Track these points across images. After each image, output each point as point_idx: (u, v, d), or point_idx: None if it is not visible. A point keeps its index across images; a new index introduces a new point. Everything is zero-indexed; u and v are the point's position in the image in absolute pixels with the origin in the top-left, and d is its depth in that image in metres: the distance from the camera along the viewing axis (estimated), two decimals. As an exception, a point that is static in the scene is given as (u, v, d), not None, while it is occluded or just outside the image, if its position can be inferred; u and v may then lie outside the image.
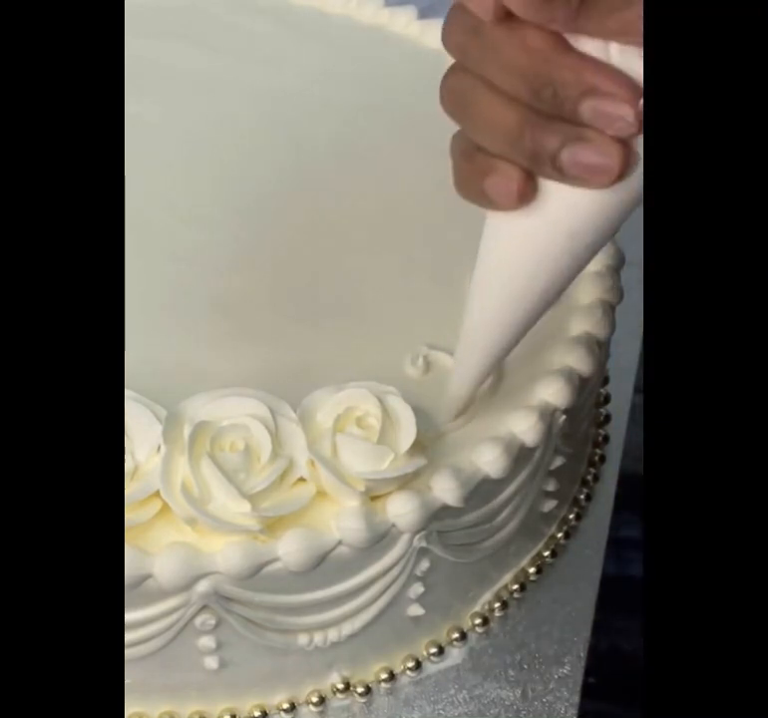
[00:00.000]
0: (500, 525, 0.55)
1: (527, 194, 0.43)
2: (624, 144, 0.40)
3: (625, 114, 0.40)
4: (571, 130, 0.40)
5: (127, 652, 0.49)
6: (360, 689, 0.55)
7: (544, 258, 0.44)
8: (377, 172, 0.63)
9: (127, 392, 0.49)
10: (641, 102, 0.39)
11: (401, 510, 0.49)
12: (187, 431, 0.49)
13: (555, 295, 0.46)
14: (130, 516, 0.47)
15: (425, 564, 0.52)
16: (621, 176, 0.41)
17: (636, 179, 0.41)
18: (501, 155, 0.43)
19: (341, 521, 0.49)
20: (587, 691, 0.58)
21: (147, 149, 0.62)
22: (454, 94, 0.45)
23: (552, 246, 0.44)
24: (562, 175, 0.41)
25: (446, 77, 0.45)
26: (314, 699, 0.55)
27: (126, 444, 0.49)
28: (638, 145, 0.41)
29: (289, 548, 0.48)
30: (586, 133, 0.40)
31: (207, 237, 0.60)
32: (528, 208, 0.43)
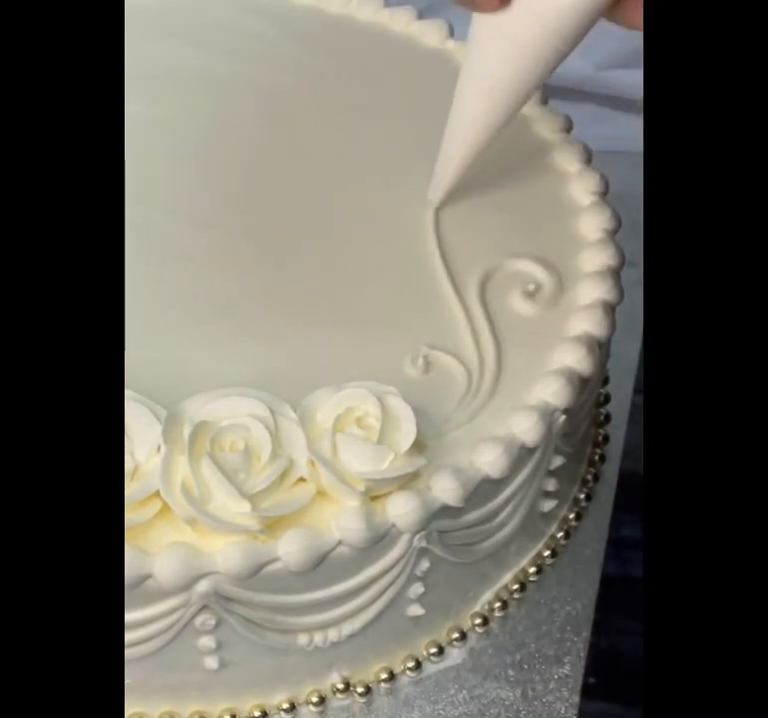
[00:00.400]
0: (500, 525, 0.55)
1: None
2: None
3: None
4: None
5: (127, 652, 0.49)
6: (360, 689, 0.55)
7: (516, 56, 0.52)
8: (377, 171, 0.63)
9: (127, 392, 0.49)
10: None
11: (401, 510, 0.49)
12: (187, 431, 0.49)
13: (525, 93, 0.54)
14: (130, 516, 0.47)
15: (425, 564, 0.52)
16: None
17: None
18: None
19: (341, 521, 0.49)
20: (587, 691, 0.58)
21: (146, 148, 0.62)
22: None
23: (523, 45, 0.52)
24: None
25: None
26: (314, 699, 0.55)
27: (126, 444, 0.49)
28: None
29: (289, 548, 0.48)
30: None
31: (208, 237, 0.60)
32: (505, 10, 0.51)
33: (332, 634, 0.52)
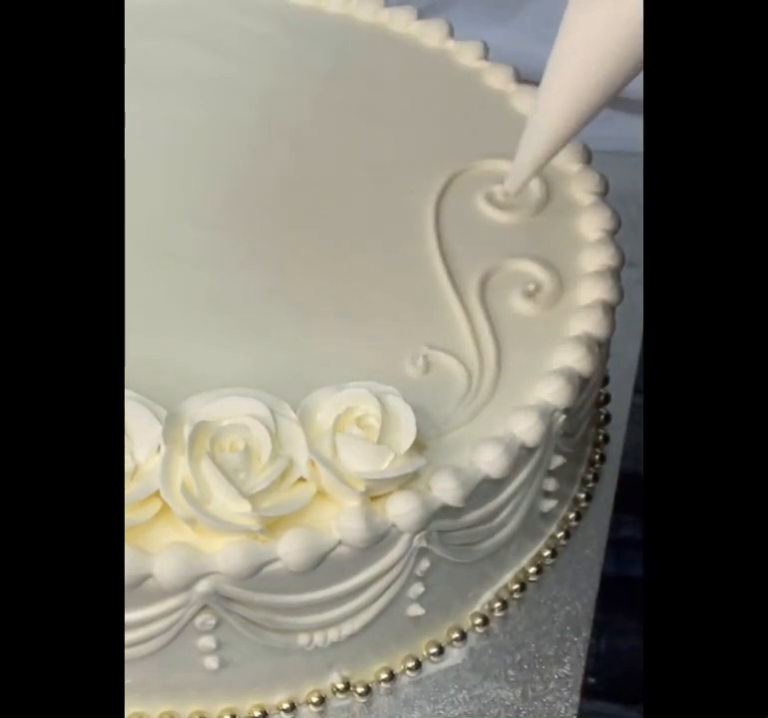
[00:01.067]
0: (500, 524, 0.55)
1: None
2: None
3: None
4: None
5: (127, 652, 0.49)
6: (360, 689, 0.55)
7: (610, 54, 0.51)
8: (377, 171, 0.63)
9: (127, 392, 0.49)
10: None
11: (401, 510, 0.49)
12: (187, 431, 0.49)
13: (615, 89, 0.53)
14: (130, 516, 0.47)
15: (425, 564, 0.52)
16: None
17: None
18: None
19: (341, 521, 0.49)
20: (587, 691, 0.58)
21: (146, 148, 0.62)
22: None
23: (618, 44, 0.50)
24: None
25: None
26: (314, 699, 0.55)
27: (126, 444, 0.49)
28: None
29: (289, 548, 0.48)
30: None
31: (208, 237, 0.60)
32: (602, 3, 0.50)
33: (332, 634, 0.52)
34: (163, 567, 0.47)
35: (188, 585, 0.48)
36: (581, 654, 0.59)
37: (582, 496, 0.63)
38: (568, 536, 0.62)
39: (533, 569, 0.60)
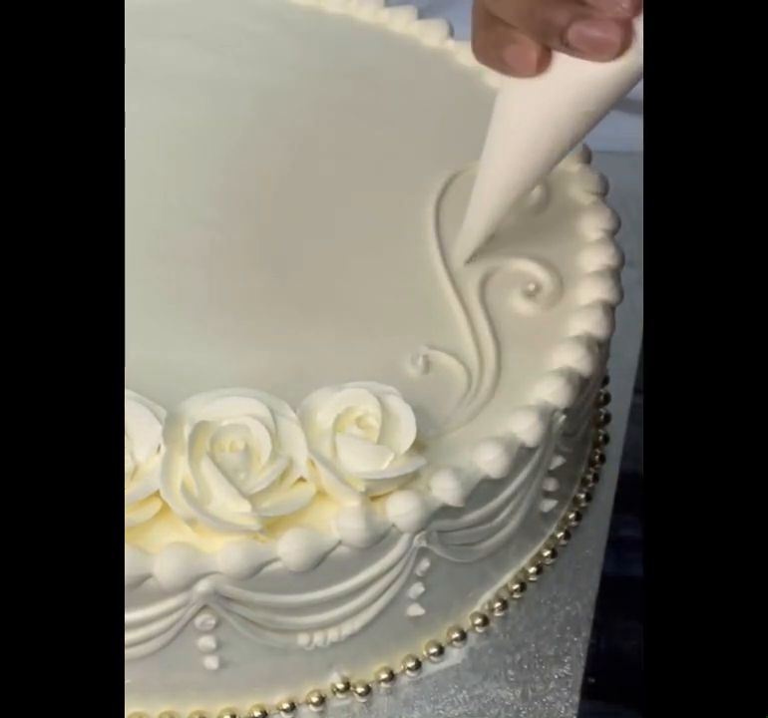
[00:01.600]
0: (500, 524, 0.55)
1: (543, 64, 0.48)
2: (625, 23, 0.46)
3: (623, 0, 0.45)
4: (577, 8, 0.46)
5: (127, 652, 0.49)
6: (360, 689, 0.55)
7: (550, 121, 0.50)
8: (377, 171, 0.63)
9: (127, 392, 0.49)
10: None
11: (401, 510, 0.49)
12: (187, 431, 0.49)
13: (557, 156, 0.52)
14: (130, 516, 0.47)
15: (425, 564, 0.52)
16: (622, 51, 0.46)
17: (634, 57, 0.46)
18: (515, 25, 0.48)
19: (341, 521, 0.49)
20: (587, 691, 0.58)
21: (147, 149, 0.62)
22: None
23: (558, 111, 0.49)
24: (569, 48, 0.47)
25: None
26: (314, 699, 0.55)
27: (126, 444, 0.49)
28: (637, 25, 0.45)
29: (289, 548, 0.48)
30: (592, 11, 0.46)
31: (208, 237, 0.60)
32: (539, 76, 0.49)
33: (332, 634, 0.52)
34: (163, 567, 0.47)
35: (188, 585, 0.48)
36: (581, 654, 0.59)
37: (582, 496, 0.63)
38: (568, 536, 0.62)
39: (533, 569, 0.60)
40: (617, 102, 0.49)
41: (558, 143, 0.51)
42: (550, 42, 0.47)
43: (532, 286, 0.58)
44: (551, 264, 0.59)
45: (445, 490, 0.50)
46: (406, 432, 0.50)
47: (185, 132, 0.65)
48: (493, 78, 0.68)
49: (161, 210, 0.61)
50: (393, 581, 0.52)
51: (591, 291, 0.58)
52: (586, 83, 0.48)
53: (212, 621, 0.49)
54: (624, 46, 0.46)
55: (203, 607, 0.49)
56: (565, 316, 0.57)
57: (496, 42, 0.49)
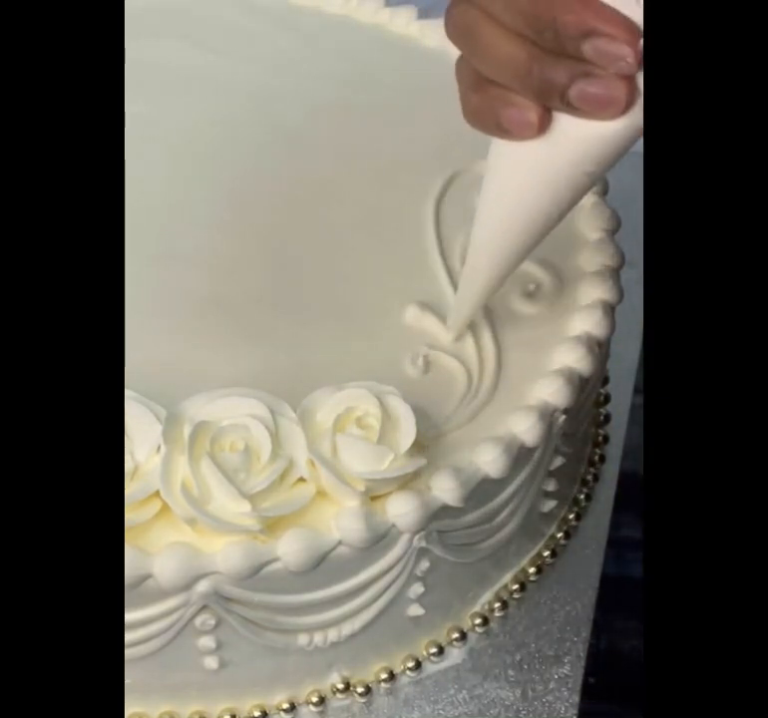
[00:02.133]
0: (500, 524, 0.55)
1: (543, 125, 0.45)
2: (628, 78, 0.43)
3: (626, 54, 0.42)
4: (577, 66, 0.43)
5: (127, 652, 0.49)
6: (360, 689, 0.55)
7: (548, 183, 0.47)
8: (377, 171, 0.63)
9: (127, 392, 0.49)
10: (641, 42, 0.41)
11: (401, 510, 0.49)
12: (186, 431, 0.49)
13: (555, 220, 0.49)
14: (130, 516, 0.47)
15: (425, 564, 0.52)
16: (627, 108, 0.43)
17: (637, 112, 0.44)
18: (511, 87, 0.44)
19: (341, 521, 0.49)
20: (587, 691, 0.58)
21: (146, 149, 0.62)
22: (459, 25, 0.45)
23: (557, 172, 0.46)
24: (570, 108, 0.44)
25: (451, 6, 0.45)
26: (314, 699, 0.55)
27: (126, 444, 0.49)
28: (639, 80, 0.43)
29: (289, 549, 0.48)
30: (593, 68, 0.42)
31: (207, 237, 0.60)
32: (541, 136, 0.45)
33: (332, 634, 0.52)
34: (163, 567, 0.47)
35: (188, 585, 0.48)
36: (581, 654, 0.59)
37: (582, 496, 0.63)
38: (567, 536, 0.62)
39: (533, 570, 0.60)
40: (620, 159, 0.46)
41: (556, 205, 0.48)
42: (550, 102, 0.44)
43: (532, 286, 0.58)
44: (551, 264, 0.59)
45: (445, 490, 0.50)
46: (406, 432, 0.50)
47: (183, 132, 0.65)
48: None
49: (160, 210, 0.61)
50: (393, 581, 0.52)
51: (591, 291, 0.58)
52: (588, 142, 0.45)
53: (212, 621, 0.49)
54: (629, 103, 0.43)
55: (203, 607, 0.49)
56: (565, 316, 0.57)
57: (491, 106, 0.45)
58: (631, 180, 0.53)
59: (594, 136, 0.45)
